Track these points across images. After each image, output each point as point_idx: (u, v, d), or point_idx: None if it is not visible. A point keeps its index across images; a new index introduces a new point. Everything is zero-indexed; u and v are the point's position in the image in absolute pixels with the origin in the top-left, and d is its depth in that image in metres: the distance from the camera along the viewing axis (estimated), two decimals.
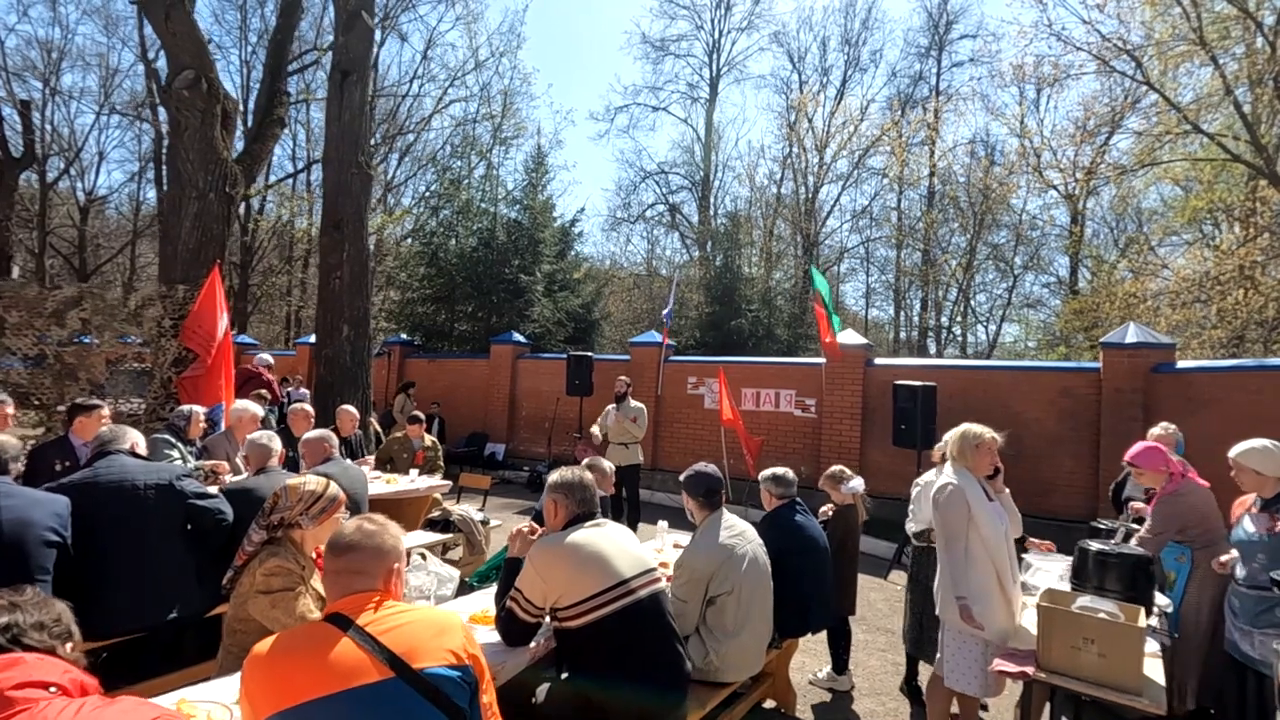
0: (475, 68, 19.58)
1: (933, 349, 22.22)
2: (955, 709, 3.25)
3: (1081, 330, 14.67)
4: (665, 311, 10.60)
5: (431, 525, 5.46)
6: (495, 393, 12.27)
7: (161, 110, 15.55)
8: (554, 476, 2.58)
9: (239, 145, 8.57)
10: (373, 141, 20.79)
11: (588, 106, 45.85)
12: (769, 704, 3.69)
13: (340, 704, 1.41)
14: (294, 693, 1.41)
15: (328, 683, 1.42)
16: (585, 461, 4.10)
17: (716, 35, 26.09)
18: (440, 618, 1.63)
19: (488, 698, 1.66)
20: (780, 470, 3.69)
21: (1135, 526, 3.77)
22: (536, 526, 2.72)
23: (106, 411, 4.18)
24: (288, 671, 1.44)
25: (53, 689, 1.22)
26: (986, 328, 22.25)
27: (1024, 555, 4.12)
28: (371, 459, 6.31)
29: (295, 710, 1.40)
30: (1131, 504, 4.02)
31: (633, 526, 7.02)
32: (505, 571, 2.61)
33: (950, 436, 3.12)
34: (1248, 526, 3.06)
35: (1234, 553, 3.12)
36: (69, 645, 1.39)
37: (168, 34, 6.83)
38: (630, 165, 37.86)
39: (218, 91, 7.02)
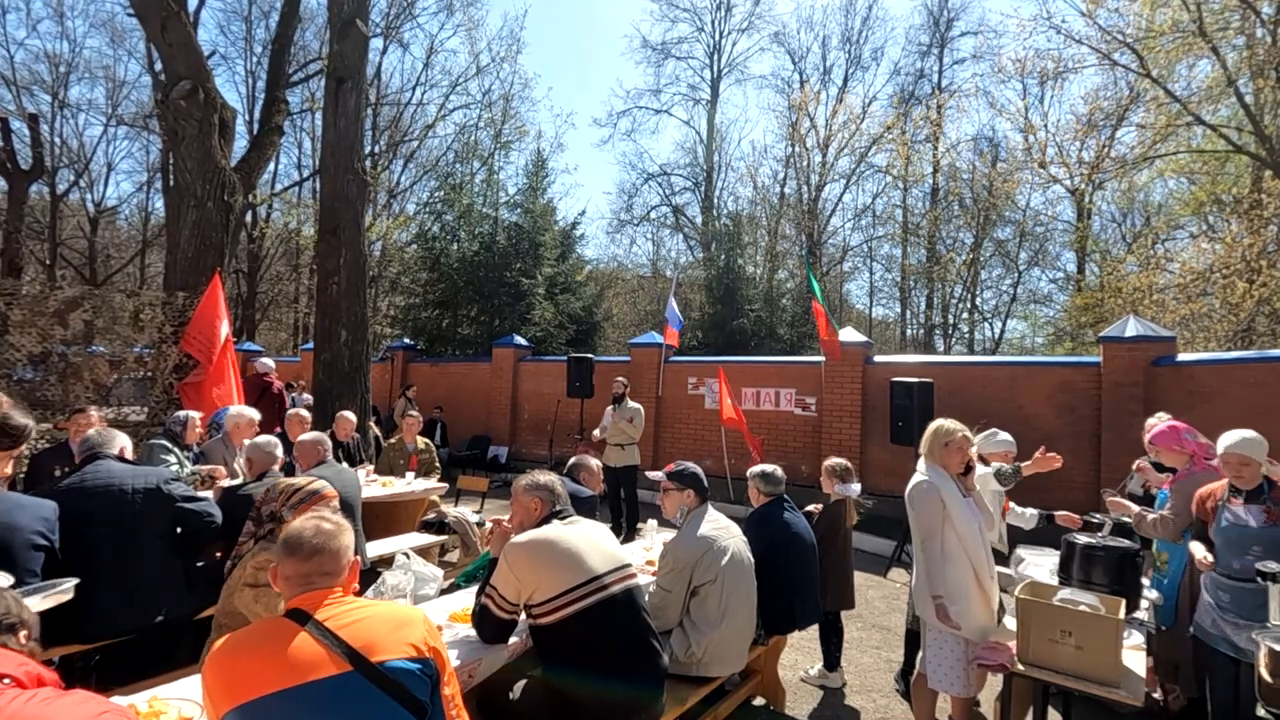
0: (476, 74, 19.69)
1: (940, 346, 22.10)
2: (947, 703, 3.24)
3: (1089, 325, 14.57)
4: (669, 314, 10.51)
5: (427, 527, 5.49)
6: (497, 396, 12.32)
7: None
8: (535, 478, 2.60)
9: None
10: (378, 149, 21.03)
11: (590, 111, 45.98)
12: (758, 701, 3.68)
13: (297, 698, 1.42)
14: (251, 687, 1.42)
15: (285, 677, 1.43)
16: (573, 460, 4.13)
17: (717, 37, 26.15)
18: (400, 612, 1.65)
19: (450, 690, 1.67)
20: (769, 468, 3.70)
21: (1126, 520, 3.74)
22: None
23: (95, 415, 4.23)
24: (245, 666, 1.45)
25: (6, 680, 1.24)
26: (992, 324, 22.12)
27: (1016, 549, 4.12)
28: (371, 466, 6.34)
29: (253, 704, 1.41)
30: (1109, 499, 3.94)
31: (631, 527, 7.03)
32: (487, 569, 2.63)
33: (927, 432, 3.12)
34: (1234, 518, 2.97)
35: (1203, 553, 3.00)
36: (22, 635, 1.41)
37: (164, 45, 6.92)
38: (633, 168, 37.95)
39: (215, 101, 7.11)
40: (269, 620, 1.58)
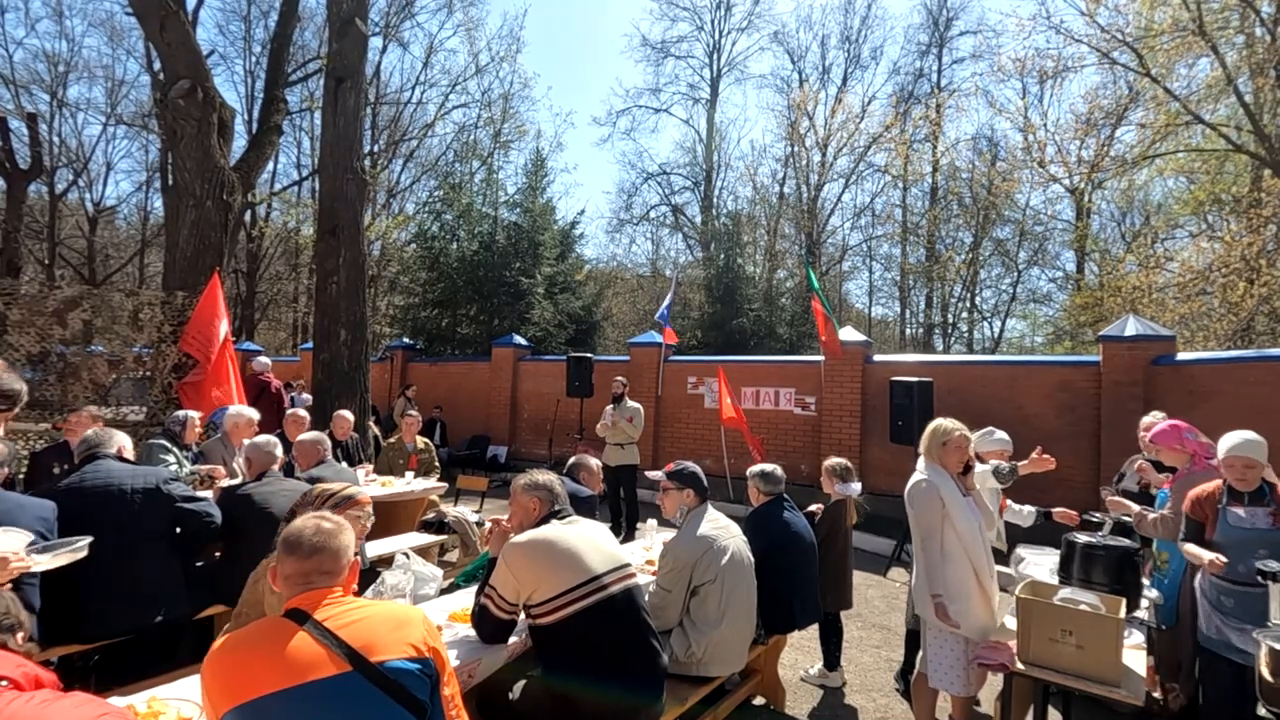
0: (476, 73, 19.71)
1: (940, 346, 22.12)
2: (947, 703, 3.24)
3: (1089, 325, 14.58)
4: (661, 312, 10.53)
5: (425, 526, 5.48)
6: (497, 395, 12.32)
7: None
8: (533, 477, 2.59)
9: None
10: (377, 148, 21.02)
11: (590, 111, 45.97)
12: (758, 701, 3.68)
13: (297, 698, 1.42)
14: (250, 687, 1.42)
15: (284, 677, 1.43)
16: (572, 460, 4.13)
17: (717, 36, 26.14)
18: (399, 611, 1.64)
19: (449, 690, 1.67)
20: (769, 467, 3.70)
21: (1126, 519, 3.73)
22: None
23: (87, 414, 4.23)
24: (244, 666, 1.45)
25: (4, 682, 1.24)
26: (991, 323, 22.14)
27: (1016, 549, 4.11)
28: (370, 466, 6.34)
29: (252, 705, 1.41)
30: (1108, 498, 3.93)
31: (631, 526, 7.03)
32: (486, 569, 2.63)
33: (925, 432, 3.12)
34: (1239, 521, 2.87)
35: (1211, 555, 2.89)
36: (19, 635, 1.40)
37: (163, 44, 6.91)
38: (632, 167, 37.97)
39: (214, 100, 7.09)
40: (268, 620, 1.58)
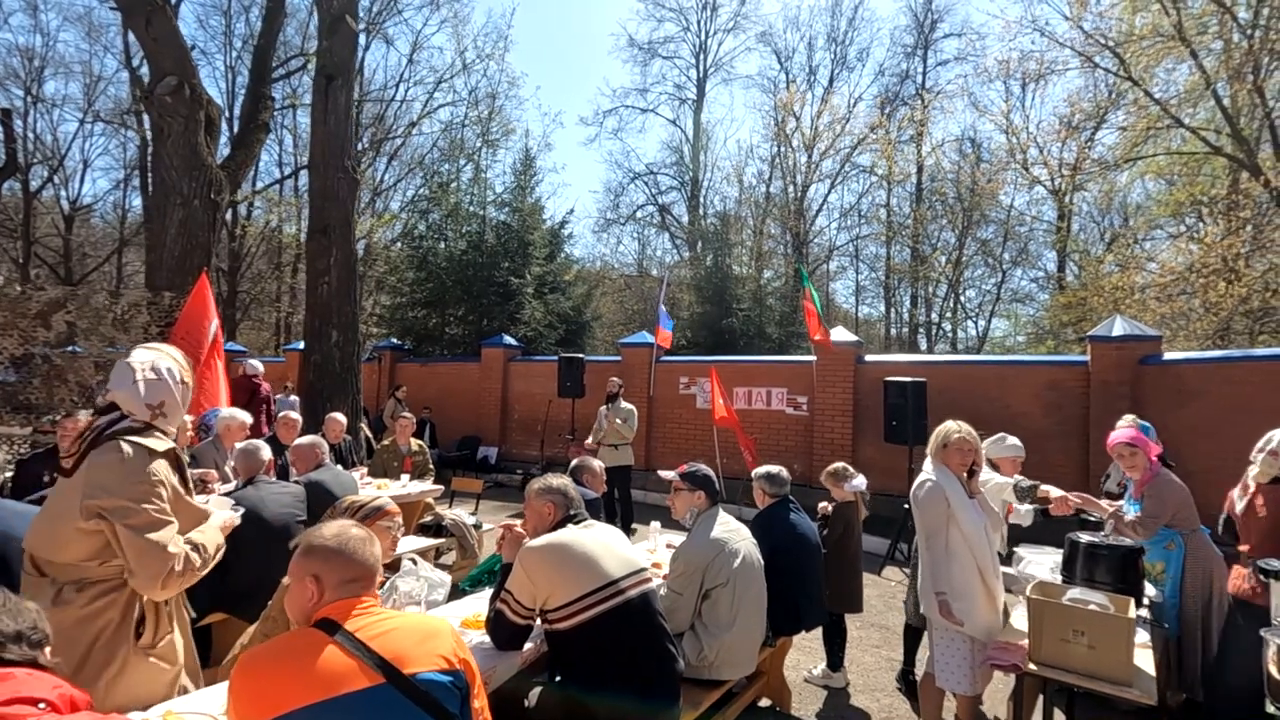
0: (462, 70, 19.60)
1: (924, 345, 22.33)
2: (952, 702, 3.26)
3: (1071, 324, 14.79)
4: (661, 314, 10.44)
5: (423, 530, 5.43)
6: (487, 396, 12.24)
7: (146, 117, 15.39)
8: (548, 481, 2.58)
9: (225, 151, 8.52)
10: (361, 146, 20.81)
11: (577, 110, 45.79)
12: (764, 702, 3.69)
13: (328, 711, 1.39)
14: (281, 701, 1.38)
15: (315, 690, 1.40)
16: (575, 462, 4.11)
17: (703, 37, 26.20)
18: (429, 623, 1.62)
19: (479, 702, 1.65)
20: (774, 469, 3.70)
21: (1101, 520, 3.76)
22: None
23: (80, 419, 4.14)
24: (274, 679, 1.42)
25: (42, 705, 1.19)
26: (976, 323, 22.38)
27: (1015, 548, 4.15)
28: (364, 469, 6.27)
29: (282, 719, 1.38)
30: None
31: (626, 526, 7.02)
32: (501, 575, 2.60)
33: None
34: None
35: None
36: (48, 650, 1.36)
37: (149, 40, 6.78)
38: (619, 167, 37.94)
39: (201, 97, 6.97)
40: (298, 631, 1.55)
